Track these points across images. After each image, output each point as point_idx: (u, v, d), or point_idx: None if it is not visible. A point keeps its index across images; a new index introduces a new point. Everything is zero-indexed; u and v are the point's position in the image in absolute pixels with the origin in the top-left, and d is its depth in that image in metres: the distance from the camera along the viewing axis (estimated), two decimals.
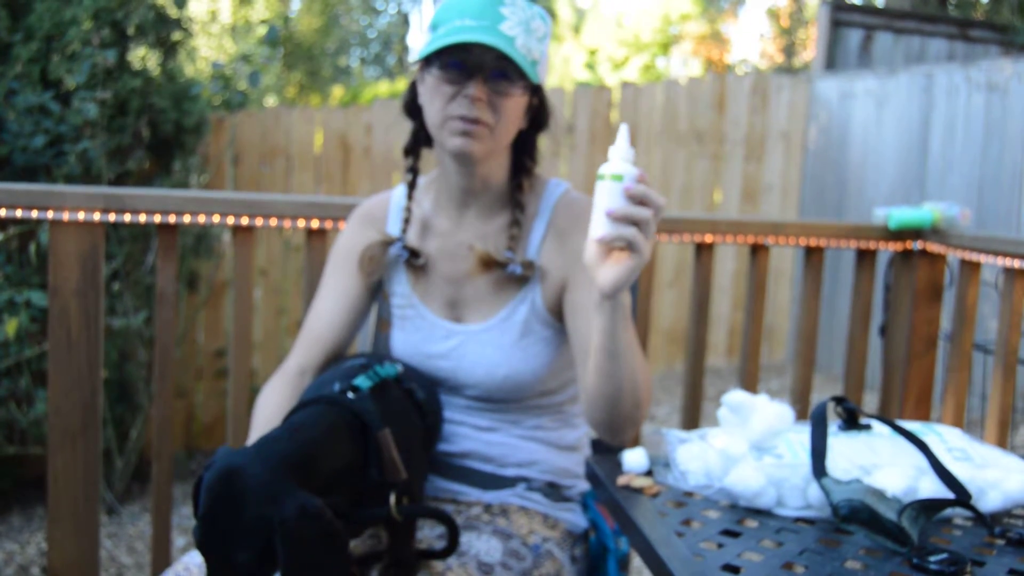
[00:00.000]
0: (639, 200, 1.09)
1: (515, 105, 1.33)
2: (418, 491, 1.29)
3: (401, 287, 1.48)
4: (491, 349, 1.40)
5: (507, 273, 1.39)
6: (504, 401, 1.43)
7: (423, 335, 1.44)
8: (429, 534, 1.34)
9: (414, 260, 1.45)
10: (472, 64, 1.28)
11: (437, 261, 1.45)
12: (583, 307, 1.34)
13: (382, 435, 1.15)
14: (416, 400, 1.35)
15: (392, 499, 1.14)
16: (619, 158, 1.11)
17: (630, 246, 1.09)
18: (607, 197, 1.10)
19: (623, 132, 1.13)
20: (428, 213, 1.48)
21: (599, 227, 1.10)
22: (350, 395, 1.20)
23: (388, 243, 1.45)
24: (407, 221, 1.47)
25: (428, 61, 1.32)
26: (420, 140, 1.47)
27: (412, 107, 1.43)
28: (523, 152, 1.43)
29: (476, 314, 1.43)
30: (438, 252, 1.45)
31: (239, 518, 0.96)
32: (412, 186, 1.48)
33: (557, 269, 1.40)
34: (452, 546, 1.23)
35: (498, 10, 1.27)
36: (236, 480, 0.98)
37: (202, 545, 0.97)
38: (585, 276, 1.33)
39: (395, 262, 1.48)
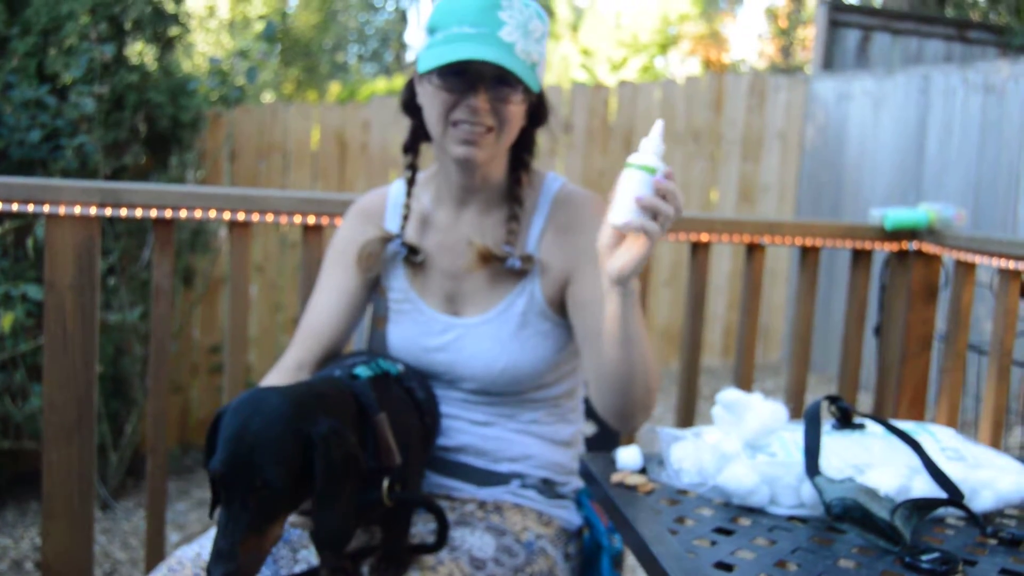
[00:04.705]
0: (664, 196, 1.11)
1: (517, 110, 1.33)
2: (414, 487, 1.29)
3: (398, 282, 1.48)
4: (489, 341, 1.40)
5: (506, 267, 1.40)
6: (501, 394, 1.43)
7: (420, 328, 1.45)
8: (422, 530, 1.34)
9: (412, 257, 1.45)
10: (473, 75, 1.28)
11: (436, 256, 1.45)
12: (588, 301, 1.34)
13: (379, 418, 1.15)
14: (416, 399, 1.36)
15: (385, 485, 1.14)
16: (651, 152, 1.13)
17: (646, 236, 1.11)
18: (637, 186, 1.11)
19: (658, 127, 1.14)
20: (428, 208, 1.48)
21: (624, 213, 1.11)
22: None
23: (386, 239, 1.45)
24: (406, 218, 1.47)
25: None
26: (419, 137, 1.47)
27: (411, 105, 1.42)
28: (522, 148, 1.44)
29: (474, 307, 1.43)
30: (437, 247, 1.45)
31: (273, 434, 0.97)
32: (411, 183, 1.48)
33: (558, 263, 1.40)
34: (442, 538, 1.23)
35: (496, 15, 1.27)
36: (265, 403, 1.00)
37: (226, 466, 0.95)
38: (589, 270, 1.34)
39: (393, 258, 1.48)
